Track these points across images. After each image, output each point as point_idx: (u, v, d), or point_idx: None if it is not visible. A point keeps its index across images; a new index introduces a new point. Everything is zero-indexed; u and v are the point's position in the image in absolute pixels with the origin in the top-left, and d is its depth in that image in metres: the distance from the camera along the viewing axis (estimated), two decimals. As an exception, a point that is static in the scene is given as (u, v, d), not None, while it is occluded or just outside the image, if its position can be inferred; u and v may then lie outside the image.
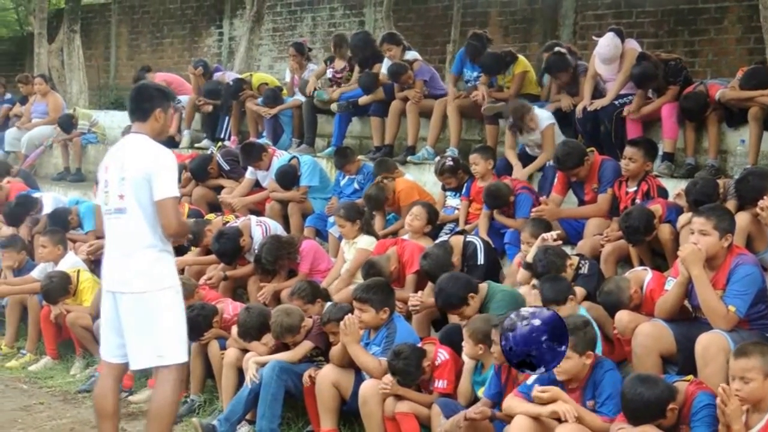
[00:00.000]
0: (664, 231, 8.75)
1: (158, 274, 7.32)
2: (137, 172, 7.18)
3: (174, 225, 7.28)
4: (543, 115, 11.19)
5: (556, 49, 12.07)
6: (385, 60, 13.66)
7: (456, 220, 10.95)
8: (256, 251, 10.82)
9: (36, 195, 14.23)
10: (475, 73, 12.80)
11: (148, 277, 7.26)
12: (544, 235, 8.86)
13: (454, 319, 8.69)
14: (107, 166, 7.45)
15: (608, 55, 11.28)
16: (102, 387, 7.58)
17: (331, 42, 15.23)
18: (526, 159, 11.42)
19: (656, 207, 8.96)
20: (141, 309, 7.23)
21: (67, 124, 17.76)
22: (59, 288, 11.13)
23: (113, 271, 7.38)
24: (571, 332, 6.72)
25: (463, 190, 11.03)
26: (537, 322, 6.65)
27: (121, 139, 7.86)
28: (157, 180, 7.16)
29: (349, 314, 8.31)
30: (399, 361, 7.80)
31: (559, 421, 6.59)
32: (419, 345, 8.15)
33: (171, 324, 7.36)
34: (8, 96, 19.76)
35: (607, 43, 11.29)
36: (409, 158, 12.81)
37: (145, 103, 7.48)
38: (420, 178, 12.26)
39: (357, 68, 14.28)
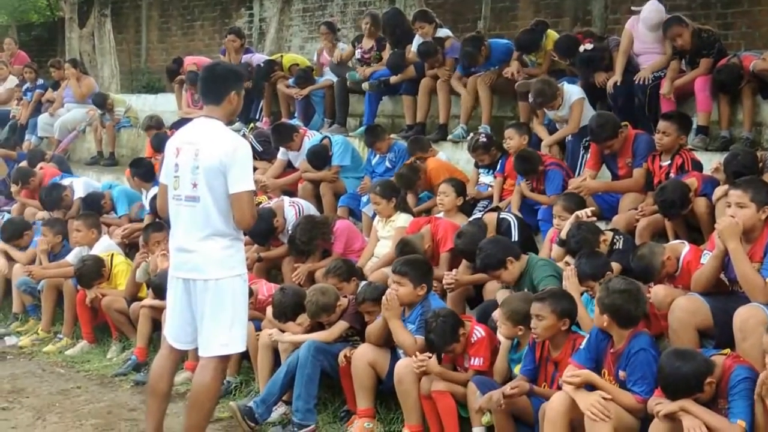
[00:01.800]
0: (700, 204, 8.68)
1: (231, 262, 7.27)
2: (212, 162, 7.07)
3: (248, 218, 7.22)
4: (572, 90, 11.12)
5: (582, 49, 11.83)
6: (416, 38, 13.62)
7: (489, 197, 10.93)
8: (290, 232, 10.82)
9: (65, 181, 14.27)
10: (492, 68, 12.69)
11: (222, 264, 7.21)
12: (578, 212, 8.81)
13: (488, 296, 8.68)
14: (179, 148, 7.31)
15: (654, 21, 11.18)
16: (160, 366, 7.58)
17: (364, 20, 15.12)
18: (554, 135, 11.39)
19: (692, 180, 8.89)
20: (214, 296, 7.20)
21: (102, 102, 17.83)
22: (92, 272, 11.17)
23: (185, 258, 7.29)
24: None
25: (497, 166, 10.99)
26: None
27: (193, 121, 7.66)
28: (232, 172, 7.07)
29: (390, 290, 8.31)
30: (438, 319, 7.80)
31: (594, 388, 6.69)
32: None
33: (239, 312, 7.35)
34: (40, 81, 19.76)
35: (650, 8, 11.26)
36: (449, 137, 12.74)
37: (219, 85, 7.34)
38: (453, 156, 12.24)
39: (388, 47, 14.20)
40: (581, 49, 11.63)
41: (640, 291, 7.06)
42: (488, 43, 12.77)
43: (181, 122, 15.07)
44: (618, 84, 11.13)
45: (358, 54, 14.65)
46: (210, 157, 7.09)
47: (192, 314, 7.35)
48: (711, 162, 9.58)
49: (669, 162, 9.48)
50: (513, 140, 10.86)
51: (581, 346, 7.07)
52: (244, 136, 13.82)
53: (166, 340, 7.67)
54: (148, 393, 7.67)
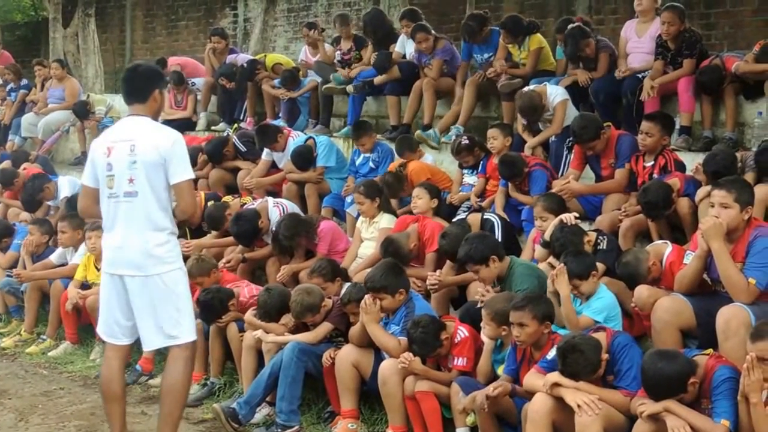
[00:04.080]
0: (683, 205, 8.71)
1: (169, 255, 7.37)
2: (151, 156, 7.19)
3: (191, 206, 7.42)
4: (556, 92, 11.15)
5: (569, 27, 11.94)
6: (401, 37, 13.65)
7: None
8: (273, 232, 10.82)
9: (52, 179, 14.27)
10: (486, 55, 12.79)
11: (161, 259, 7.31)
12: (563, 217, 8.78)
13: (472, 296, 8.68)
14: (110, 148, 7.39)
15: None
16: (108, 369, 7.63)
17: (333, 23, 15.18)
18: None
19: (674, 181, 8.92)
20: (153, 290, 7.29)
21: (82, 111, 17.72)
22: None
23: (122, 254, 7.35)
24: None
25: (479, 167, 10.97)
26: None
27: (119, 122, 7.83)
28: (173, 164, 7.20)
29: (367, 296, 8.33)
30: (417, 329, 7.82)
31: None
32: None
33: (182, 304, 7.44)
34: (24, 82, 19.71)
35: None
36: (443, 139, 12.68)
37: (142, 83, 7.49)
38: (438, 157, 12.27)
39: (370, 47, 14.23)
40: (569, 26, 11.84)
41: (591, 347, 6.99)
42: (490, 29, 12.82)
43: (167, 124, 15.11)
44: (601, 79, 11.33)
45: (338, 56, 14.66)
46: (148, 151, 7.22)
47: (129, 310, 7.41)
48: (694, 162, 9.61)
49: (652, 163, 9.49)
50: (497, 140, 10.85)
51: (548, 356, 7.08)
52: (227, 136, 13.89)
53: (105, 341, 7.74)
54: (104, 398, 7.73)
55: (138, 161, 7.22)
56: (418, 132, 12.67)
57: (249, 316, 9.30)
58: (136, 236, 7.28)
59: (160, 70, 7.99)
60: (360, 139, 12.37)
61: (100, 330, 7.75)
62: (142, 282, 7.29)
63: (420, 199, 10.35)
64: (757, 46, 10.43)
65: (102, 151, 7.45)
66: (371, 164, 12.17)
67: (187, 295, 7.53)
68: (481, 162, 10.96)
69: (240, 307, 9.66)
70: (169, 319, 7.35)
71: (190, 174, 7.35)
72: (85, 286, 11.24)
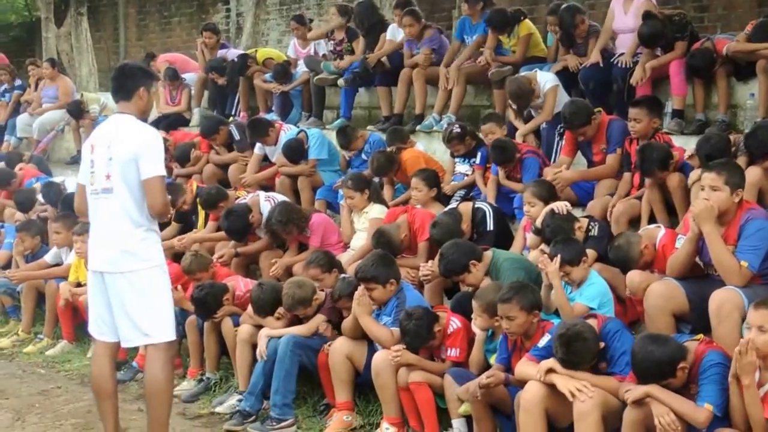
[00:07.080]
0: (673, 179, 8.66)
1: (146, 253, 7.37)
2: (125, 152, 7.22)
3: (160, 203, 7.36)
4: (546, 78, 11.11)
5: (562, 7, 11.93)
6: (391, 27, 13.62)
7: (466, 187, 10.86)
8: (266, 218, 10.85)
9: (58, 178, 14.41)
10: (475, 36, 12.73)
11: (137, 256, 7.31)
12: (554, 206, 8.70)
13: (465, 287, 8.66)
14: (93, 145, 7.50)
15: None
16: (98, 367, 7.64)
17: (333, 12, 15.11)
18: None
19: (675, 153, 8.90)
20: (130, 288, 7.29)
21: (77, 110, 17.69)
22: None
23: (101, 251, 7.41)
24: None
25: (477, 157, 10.86)
26: None
27: (107, 119, 7.89)
28: (143, 159, 7.22)
29: (360, 288, 8.31)
30: (411, 321, 7.82)
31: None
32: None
33: (159, 303, 7.43)
34: (19, 82, 19.70)
35: None
36: (417, 128, 12.71)
37: (128, 81, 7.55)
38: (429, 146, 12.21)
39: (362, 39, 14.19)
40: (563, 6, 11.92)
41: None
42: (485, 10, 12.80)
43: (160, 120, 15.07)
44: (590, 66, 11.26)
45: (330, 46, 14.62)
46: (123, 147, 7.26)
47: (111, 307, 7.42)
48: (687, 145, 9.55)
49: (646, 146, 9.44)
50: (495, 134, 10.79)
51: (540, 344, 7.07)
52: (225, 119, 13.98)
53: (94, 339, 7.73)
54: (96, 396, 7.75)
55: (113, 158, 7.26)
56: (418, 127, 12.69)
57: (251, 312, 9.28)
58: (113, 233, 7.32)
59: (148, 69, 8.06)
60: (348, 146, 12.37)
61: (90, 328, 7.75)
62: (119, 278, 7.30)
63: (420, 191, 10.38)
64: (750, 25, 10.40)
65: (87, 148, 7.58)
66: (363, 156, 12.09)
67: (165, 294, 7.52)
68: (480, 153, 10.84)
69: (237, 301, 9.66)
70: (144, 317, 7.33)
71: (160, 170, 7.33)
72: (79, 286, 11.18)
